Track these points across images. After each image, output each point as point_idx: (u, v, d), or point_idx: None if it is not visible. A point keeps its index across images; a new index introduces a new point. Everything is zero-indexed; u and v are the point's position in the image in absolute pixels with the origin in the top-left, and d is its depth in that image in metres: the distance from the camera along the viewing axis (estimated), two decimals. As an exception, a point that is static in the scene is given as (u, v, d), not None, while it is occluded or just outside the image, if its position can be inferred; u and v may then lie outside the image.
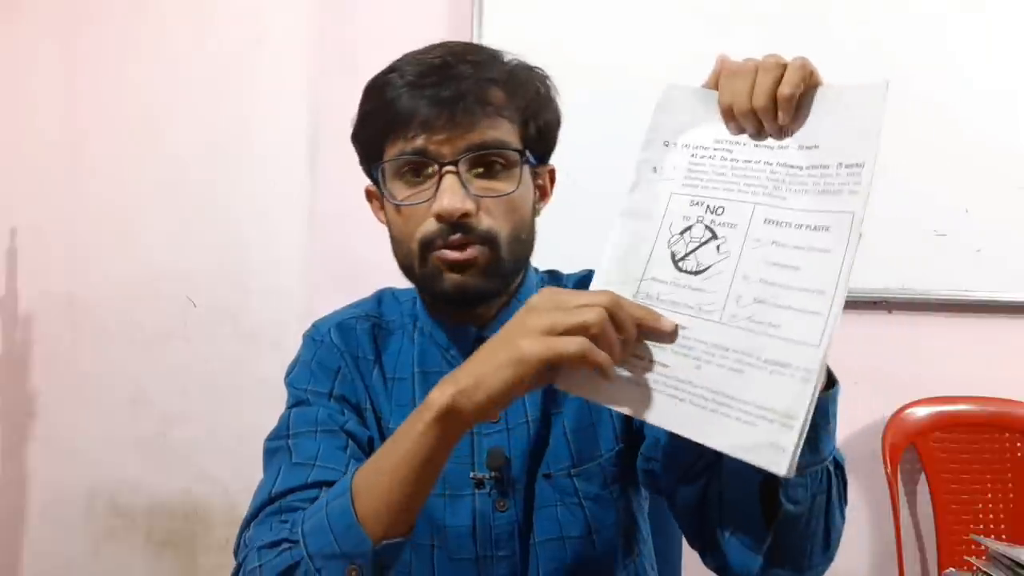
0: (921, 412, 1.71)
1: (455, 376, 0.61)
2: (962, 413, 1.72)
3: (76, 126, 1.95)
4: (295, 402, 0.84)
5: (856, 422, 1.77)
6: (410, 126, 0.75)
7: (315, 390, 0.84)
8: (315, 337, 0.89)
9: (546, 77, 0.84)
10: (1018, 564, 0.96)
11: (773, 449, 0.54)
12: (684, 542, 1.03)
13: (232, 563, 0.72)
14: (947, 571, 1.17)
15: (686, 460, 0.73)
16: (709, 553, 0.73)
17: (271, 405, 0.88)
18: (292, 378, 0.86)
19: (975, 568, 1.03)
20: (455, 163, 0.75)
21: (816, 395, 0.54)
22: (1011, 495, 1.69)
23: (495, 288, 0.80)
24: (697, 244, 0.63)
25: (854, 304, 1.73)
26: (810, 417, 0.54)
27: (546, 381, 0.63)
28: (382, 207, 0.84)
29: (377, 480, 0.65)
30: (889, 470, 1.66)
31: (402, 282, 0.86)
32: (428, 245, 0.77)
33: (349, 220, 1.51)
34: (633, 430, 0.84)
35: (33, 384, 1.98)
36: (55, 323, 1.97)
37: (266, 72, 1.90)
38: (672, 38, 1.74)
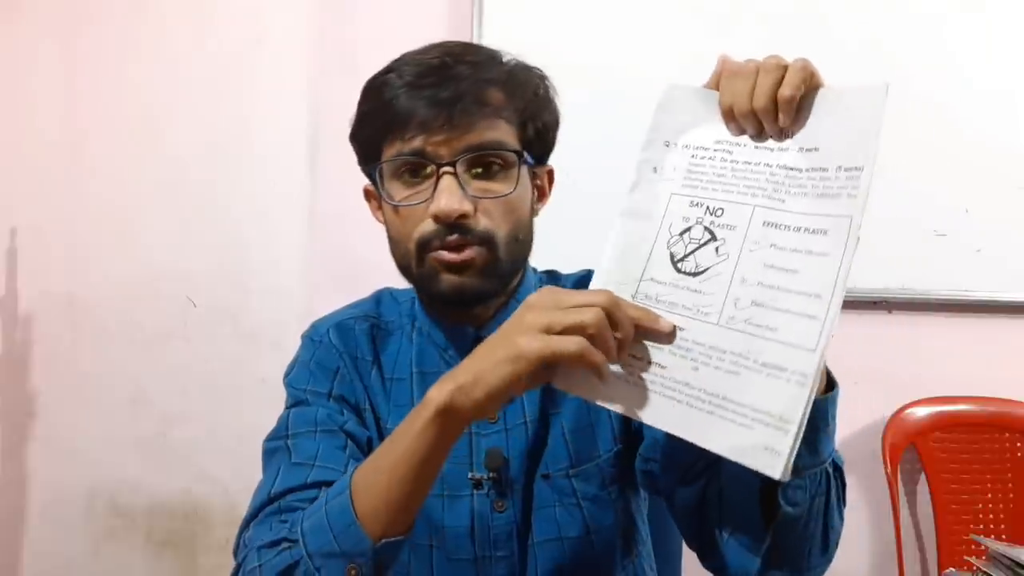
0: (921, 412, 1.71)
1: (453, 374, 0.61)
2: (962, 413, 1.72)
3: (76, 126, 1.95)
4: (294, 402, 0.84)
5: (856, 422, 1.77)
6: (408, 127, 0.75)
7: (314, 390, 0.84)
8: (314, 337, 0.89)
9: (545, 77, 0.84)
10: (1018, 564, 0.96)
11: (768, 452, 0.54)
12: (684, 543, 1.03)
13: (232, 563, 0.72)
14: (947, 571, 1.17)
15: (685, 461, 0.73)
16: (707, 554, 0.73)
17: (271, 405, 0.88)
18: (291, 378, 0.86)
19: (975, 568, 1.03)
20: (453, 164, 0.75)
21: (812, 399, 0.54)
22: (1011, 495, 1.69)
23: (493, 289, 0.80)
24: (696, 245, 0.63)
25: (854, 304, 1.73)
26: (806, 421, 0.54)
27: (544, 380, 0.63)
28: (380, 207, 0.84)
29: (376, 479, 0.65)
30: (889, 470, 1.66)
31: (401, 282, 0.86)
32: (425, 246, 0.77)
33: (349, 220, 1.51)
34: (632, 431, 0.84)
35: (33, 384, 1.98)
36: (55, 323, 1.97)
37: (266, 72, 1.90)
38: (672, 38, 1.74)
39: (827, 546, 0.69)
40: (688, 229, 0.64)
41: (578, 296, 0.60)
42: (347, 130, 0.84)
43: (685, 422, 0.59)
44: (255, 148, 1.90)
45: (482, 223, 0.76)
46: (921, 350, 1.76)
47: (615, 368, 0.62)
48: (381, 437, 0.83)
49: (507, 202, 0.78)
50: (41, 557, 1.99)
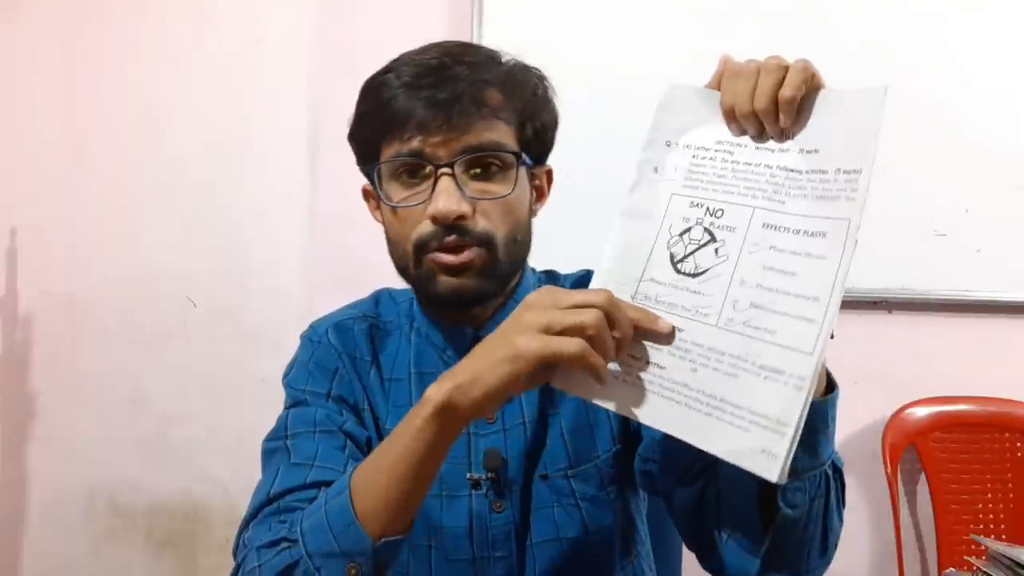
0: (921, 412, 1.71)
1: (452, 373, 0.61)
2: (962, 413, 1.72)
3: (76, 126, 1.95)
4: (293, 403, 0.84)
5: (856, 422, 1.77)
6: (406, 127, 0.75)
7: (313, 390, 0.84)
8: (312, 338, 0.89)
9: (543, 78, 0.84)
10: (1018, 564, 0.96)
11: (765, 455, 0.54)
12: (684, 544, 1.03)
13: (232, 563, 0.72)
14: (947, 571, 1.17)
15: (683, 462, 0.73)
16: (706, 555, 0.73)
17: (271, 405, 0.88)
18: (290, 379, 0.86)
19: (975, 568, 1.03)
20: (451, 165, 0.75)
21: (808, 402, 0.54)
22: (1011, 495, 1.68)
23: (491, 290, 0.80)
24: (696, 246, 0.63)
25: (854, 304, 1.73)
26: (802, 424, 0.54)
27: (543, 380, 0.63)
28: (378, 207, 0.84)
29: (375, 478, 0.65)
30: (889, 470, 1.66)
31: (401, 283, 0.86)
32: (423, 247, 0.77)
33: (349, 220, 1.50)
34: (630, 431, 0.84)
35: (33, 384, 1.98)
36: (55, 323, 1.97)
37: (266, 72, 1.90)
38: (673, 38, 1.74)
39: (826, 548, 0.69)
40: (688, 230, 0.64)
41: (577, 296, 0.60)
42: (347, 130, 0.84)
43: (683, 423, 0.59)
44: (255, 148, 1.90)
45: (481, 224, 0.76)
46: (921, 350, 1.76)
47: (614, 368, 0.62)
48: (380, 437, 0.83)
49: (505, 203, 0.78)
50: (41, 557, 1.99)
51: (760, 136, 0.63)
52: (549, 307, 0.59)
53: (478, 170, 0.77)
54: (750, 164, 0.63)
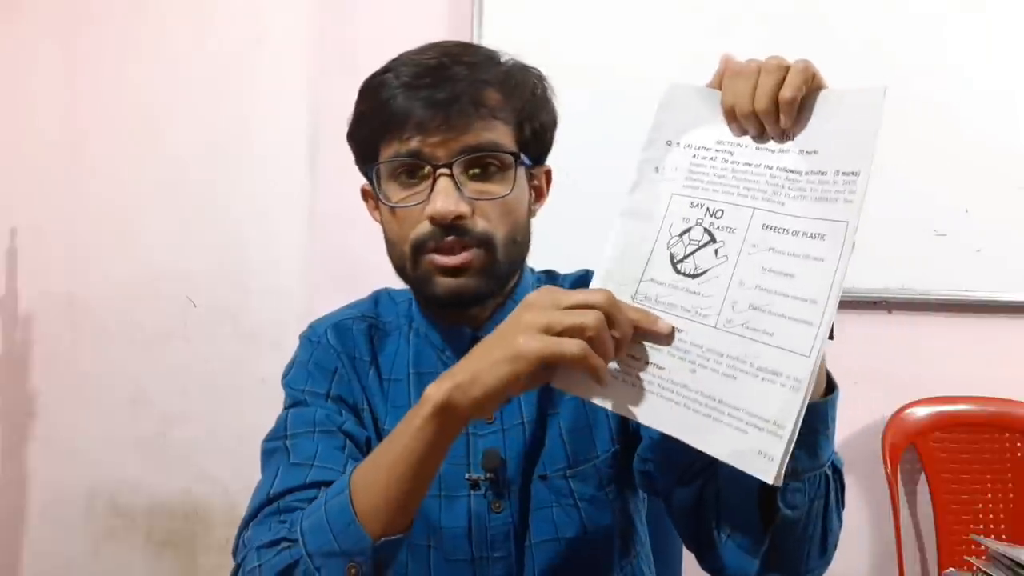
0: (921, 412, 1.71)
1: (452, 372, 0.61)
2: (962, 413, 1.72)
3: (76, 126, 1.95)
4: (292, 403, 0.84)
5: (856, 422, 1.76)
6: (405, 128, 0.75)
7: (312, 391, 0.84)
8: (311, 338, 0.89)
9: (543, 78, 0.84)
10: (1018, 564, 0.96)
11: (762, 457, 0.54)
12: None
13: (232, 563, 0.72)
14: (947, 571, 1.17)
15: (682, 462, 0.73)
16: (705, 555, 0.73)
17: (271, 405, 0.88)
18: (289, 379, 0.86)
19: (975, 568, 1.03)
20: (449, 165, 0.75)
21: (805, 404, 0.54)
22: (1011, 495, 1.68)
23: (490, 290, 0.80)
24: (696, 247, 0.63)
25: (854, 304, 1.73)
26: (799, 426, 0.54)
27: (543, 380, 0.63)
28: (377, 207, 0.84)
29: (375, 477, 0.65)
30: (889, 470, 1.66)
31: (400, 283, 0.86)
32: (420, 247, 0.77)
33: (349, 220, 1.50)
34: (629, 431, 0.84)
35: (33, 384, 1.98)
36: (55, 323, 1.97)
37: (266, 72, 1.90)
38: (673, 38, 1.73)
39: (826, 548, 0.69)
40: (688, 230, 0.64)
41: (576, 296, 0.60)
42: (347, 130, 0.84)
43: (682, 424, 0.59)
44: (255, 148, 1.90)
45: (480, 225, 0.76)
46: (921, 350, 1.76)
47: (613, 368, 0.62)
48: (379, 437, 0.83)
49: (504, 203, 0.78)
50: (41, 557, 1.99)
51: (760, 136, 0.63)
52: (549, 307, 0.59)
53: (477, 170, 0.77)
54: (750, 165, 0.63)
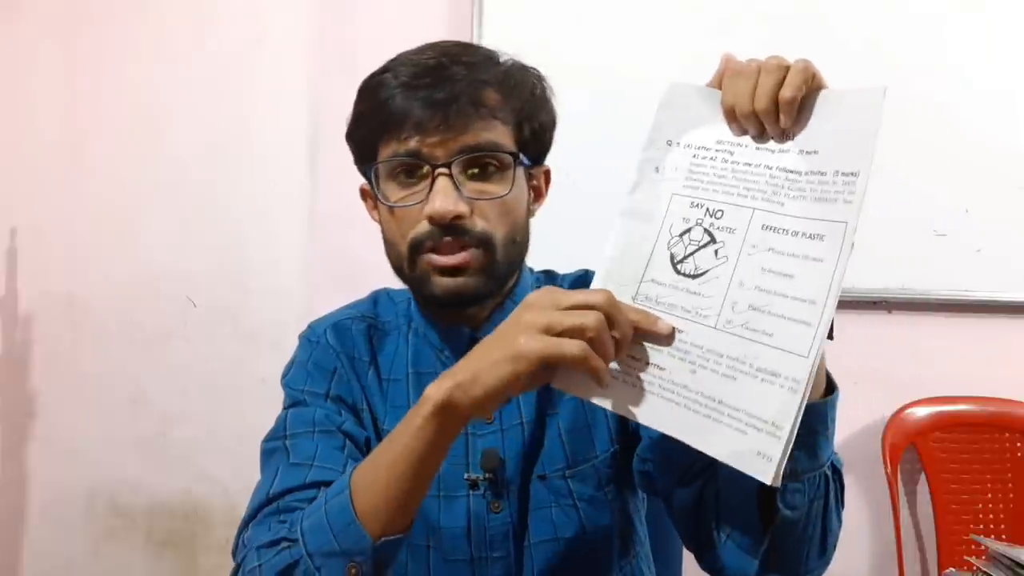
0: (921, 412, 1.71)
1: (452, 372, 0.61)
2: (962, 413, 1.72)
3: (76, 126, 1.95)
4: (292, 403, 0.84)
5: (856, 422, 1.76)
6: (403, 127, 0.75)
7: (312, 391, 0.84)
8: (311, 338, 0.89)
9: (542, 78, 0.84)
10: (1018, 564, 0.96)
11: (761, 458, 0.55)
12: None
13: (232, 563, 0.72)
14: (947, 571, 1.16)
15: (682, 462, 0.73)
16: (705, 556, 0.73)
17: (271, 405, 0.88)
18: (288, 379, 0.86)
19: (975, 568, 1.03)
20: (448, 165, 0.75)
21: (804, 405, 0.54)
22: (1011, 495, 1.68)
23: (489, 290, 0.80)
24: (696, 247, 0.63)
25: (854, 304, 1.73)
26: (797, 427, 0.54)
27: (543, 380, 0.63)
28: (376, 206, 0.84)
29: (375, 477, 0.65)
30: (889, 470, 1.66)
31: (400, 283, 0.86)
32: (417, 247, 0.77)
33: (349, 220, 1.50)
34: (629, 431, 0.84)
35: (33, 384, 1.98)
36: (55, 323, 1.97)
37: (266, 72, 1.90)
38: (672, 38, 1.73)
39: (825, 548, 0.69)
40: (688, 230, 0.64)
41: (576, 296, 0.60)
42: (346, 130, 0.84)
43: (682, 424, 0.59)
44: (255, 148, 1.90)
45: (479, 224, 0.76)
46: (921, 350, 1.76)
47: (613, 368, 0.62)
48: (378, 437, 0.83)
49: (503, 203, 0.78)
50: (41, 557, 1.99)
51: (760, 136, 0.63)
52: (549, 307, 0.59)
53: (476, 170, 0.77)
54: (750, 165, 0.63)
